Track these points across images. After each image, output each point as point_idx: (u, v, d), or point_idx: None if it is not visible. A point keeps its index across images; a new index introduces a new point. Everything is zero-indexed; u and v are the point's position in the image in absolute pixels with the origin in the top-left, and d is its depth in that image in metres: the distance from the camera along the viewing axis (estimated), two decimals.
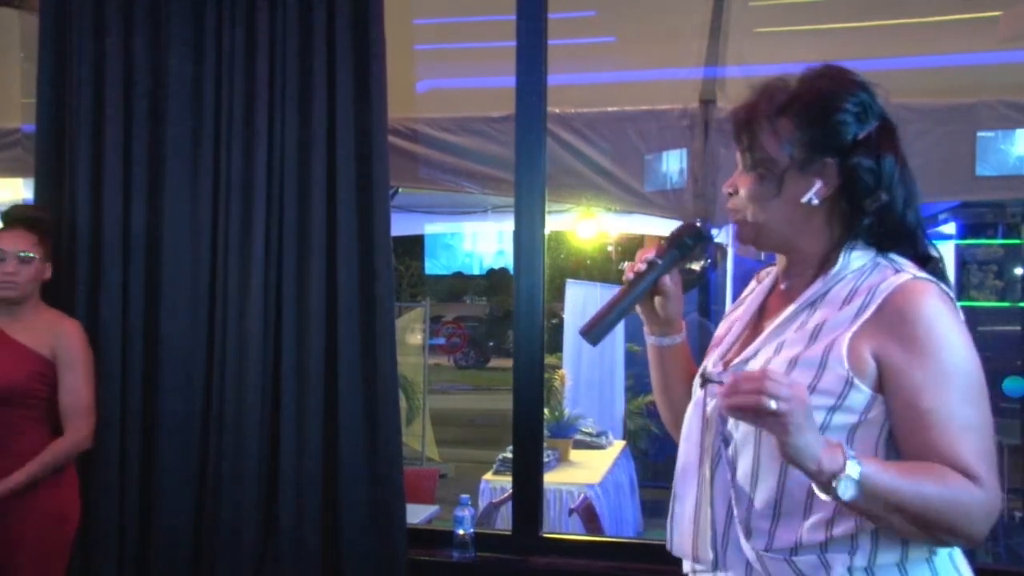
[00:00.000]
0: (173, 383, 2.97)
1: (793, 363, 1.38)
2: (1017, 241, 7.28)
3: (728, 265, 5.82)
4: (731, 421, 1.44)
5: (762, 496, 1.40)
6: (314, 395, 2.87)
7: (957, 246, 7.11)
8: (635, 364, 8.94)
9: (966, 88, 2.93)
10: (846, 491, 1.24)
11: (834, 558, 1.36)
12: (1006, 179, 2.94)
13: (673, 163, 3.20)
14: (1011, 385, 6.24)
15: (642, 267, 1.56)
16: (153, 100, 3.01)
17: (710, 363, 1.56)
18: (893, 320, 1.34)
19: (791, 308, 1.45)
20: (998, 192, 3.16)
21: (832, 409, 1.35)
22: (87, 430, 2.74)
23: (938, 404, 1.31)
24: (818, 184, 1.41)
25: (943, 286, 1.38)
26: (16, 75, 3.60)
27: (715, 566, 1.46)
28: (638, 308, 1.62)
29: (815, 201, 1.42)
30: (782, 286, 1.53)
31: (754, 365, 1.44)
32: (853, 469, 1.24)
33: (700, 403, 1.51)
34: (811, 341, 1.39)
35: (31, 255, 2.75)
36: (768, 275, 1.60)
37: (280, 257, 2.91)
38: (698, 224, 1.57)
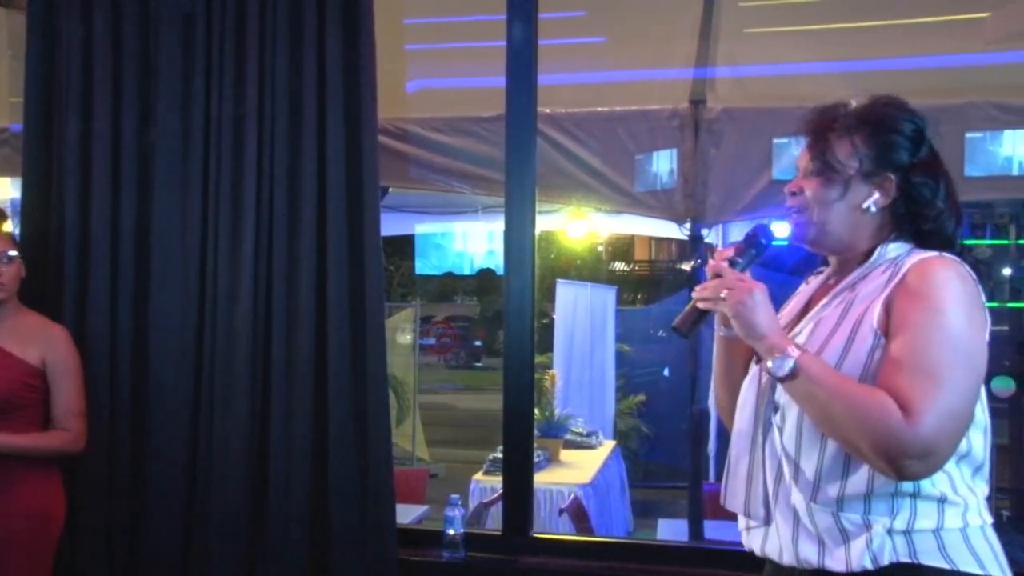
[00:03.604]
0: (162, 383, 2.97)
1: (830, 335, 1.59)
2: (1006, 242, 7.31)
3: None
4: (779, 389, 1.62)
5: (807, 451, 1.58)
6: (304, 395, 2.86)
7: None
8: (625, 364, 8.97)
9: (954, 89, 2.94)
10: (779, 368, 1.52)
11: (876, 519, 1.53)
12: (995, 180, 2.95)
13: (663, 163, 3.21)
14: (999, 384, 6.27)
15: (724, 265, 1.71)
16: (142, 99, 3.01)
17: None
18: (909, 280, 1.54)
19: (832, 292, 1.68)
20: (987, 193, 3.17)
21: (863, 378, 1.52)
22: (78, 432, 2.73)
23: (914, 345, 1.48)
24: (876, 195, 1.63)
25: (967, 267, 1.56)
26: (4, 73, 3.58)
27: (766, 521, 1.66)
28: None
29: (873, 209, 1.64)
30: (831, 280, 1.74)
31: (799, 339, 1.63)
32: (792, 353, 1.52)
33: (756, 377, 1.70)
34: (845, 314, 1.60)
35: (13, 254, 2.74)
36: (817, 277, 1.81)
37: (270, 257, 2.90)
38: (768, 227, 1.73)
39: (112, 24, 3.00)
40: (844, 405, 1.48)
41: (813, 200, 1.66)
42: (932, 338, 1.48)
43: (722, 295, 1.57)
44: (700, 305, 1.62)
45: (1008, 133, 2.91)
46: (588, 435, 6.17)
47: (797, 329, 1.67)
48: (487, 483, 5.05)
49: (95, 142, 3.00)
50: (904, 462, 1.44)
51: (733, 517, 1.76)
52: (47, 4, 3.06)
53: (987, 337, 1.54)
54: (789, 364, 1.51)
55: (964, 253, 1.64)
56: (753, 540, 1.71)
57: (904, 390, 1.45)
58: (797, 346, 1.54)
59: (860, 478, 1.53)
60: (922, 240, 1.64)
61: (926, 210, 1.63)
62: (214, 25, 2.95)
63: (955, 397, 1.46)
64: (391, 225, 5.73)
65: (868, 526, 1.53)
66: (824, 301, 1.68)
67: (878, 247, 1.64)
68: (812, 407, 1.53)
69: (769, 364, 1.54)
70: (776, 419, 1.64)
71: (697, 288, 1.62)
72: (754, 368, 1.71)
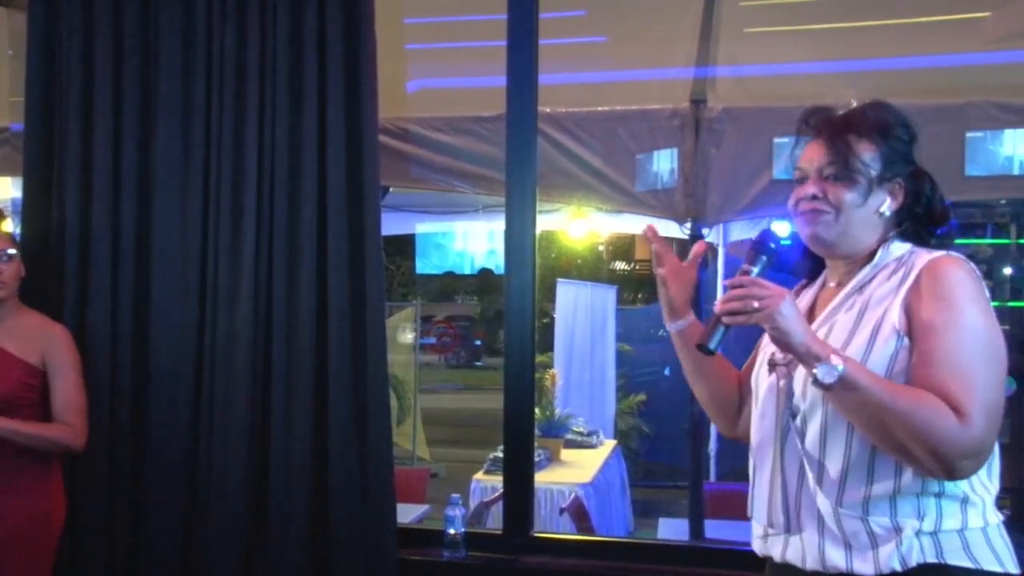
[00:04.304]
0: (162, 384, 2.97)
1: (849, 338, 1.59)
2: (1006, 241, 7.32)
3: (719, 265, 5.83)
4: (798, 394, 1.64)
5: (832, 455, 1.58)
6: (304, 394, 2.86)
7: None
8: (626, 364, 8.97)
9: (955, 89, 2.94)
10: (826, 376, 1.47)
11: (904, 522, 1.54)
12: (995, 179, 2.95)
13: (664, 163, 3.21)
14: None
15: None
16: (143, 99, 3.00)
17: (772, 351, 1.71)
18: (925, 281, 1.56)
19: (841, 295, 1.68)
20: (987, 192, 3.17)
21: (886, 377, 1.53)
22: (79, 428, 2.72)
23: (945, 346, 1.50)
24: (889, 199, 1.66)
25: (972, 264, 1.60)
26: (5, 73, 3.58)
27: (787, 528, 1.65)
28: (662, 300, 1.85)
29: (888, 213, 1.66)
30: (832, 284, 1.75)
31: None
32: (837, 361, 1.47)
33: (774, 386, 1.70)
34: (861, 317, 1.61)
35: (13, 252, 2.74)
36: (809, 288, 1.82)
37: (270, 257, 2.90)
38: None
39: (113, 23, 3.00)
40: (898, 412, 1.47)
41: (839, 204, 1.64)
42: (960, 338, 1.50)
43: (754, 305, 1.51)
44: (727, 321, 1.55)
45: (1008, 133, 2.91)
46: (589, 434, 6.17)
47: None
48: (488, 482, 5.05)
49: (95, 141, 3.00)
50: (960, 463, 1.47)
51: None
52: (47, 4, 3.06)
53: None
54: (837, 371, 1.47)
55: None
56: (772, 547, 1.70)
57: (947, 391, 1.46)
58: (838, 353, 1.50)
59: (886, 479, 1.54)
60: (921, 239, 1.66)
61: (931, 211, 1.67)
62: (215, 24, 2.95)
63: (992, 393, 1.49)
64: (392, 224, 5.74)
65: (898, 529, 1.54)
66: (833, 305, 1.68)
67: (881, 248, 1.66)
68: (861, 415, 1.52)
69: (815, 373, 1.49)
70: (796, 424, 1.64)
71: (719, 302, 1.56)
72: (771, 378, 1.70)
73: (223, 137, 2.93)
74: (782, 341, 1.52)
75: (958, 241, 1.71)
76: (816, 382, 1.49)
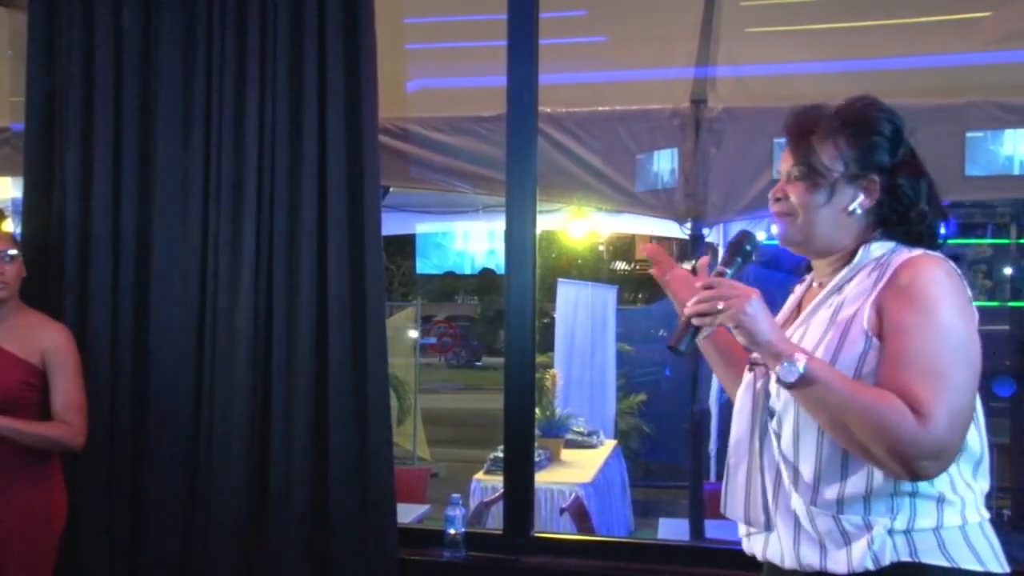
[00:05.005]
0: (162, 383, 2.97)
1: (821, 338, 1.59)
2: (1006, 241, 7.31)
3: (718, 264, 5.82)
4: (774, 396, 1.64)
5: (805, 456, 1.59)
6: (304, 394, 2.86)
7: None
8: (626, 364, 8.97)
9: (955, 89, 2.95)
10: (787, 374, 1.48)
11: (876, 520, 1.53)
12: (995, 179, 2.95)
13: (664, 163, 3.21)
14: (1000, 384, 6.27)
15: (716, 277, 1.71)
16: (143, 99, 3.01)
17: None
18: (898, 280, 1.54)
19: (821, 294, 1.68)
20: (987, 192, 3.18)
21: (856, 378, 1.52)
22: (79, 427, 2.71)
23: (913, 347, 1.48)
24: (861, 197, 1.63)
25: (952, 263, 1.57)
26: (5, 73, 3.58)
27: (766, 527, 1.66)
28: (678, 311, 1.81)
29: (859, 211, 1.63)
30: (816, 283, 1.75)
31: None
32: (800, 359, 1.48)
33: (750, 384, 1.70)
34: (834, 317, 1.60)
35: (14, 253, 2.74)
36: (803, 283, 1.82)
37: (271, 257, 2.90)
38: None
39: (113, 23, 3.00)
40: (858, 411, 1.46)
41: (799, 205, 1.65)
42: (931, 338, 1.48)
43: (719, 307, 1.52)
44: (695, 322, 1.56)
45: (1009, 132, 2.91)
46: (589, 434, 6.17)
47: (787, 334, 1.65)
48: (488, 482, 5.05)
49: (96, 141, 3.00)
50: (921, 464, 1.45)
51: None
52: (47, 4, 3.06)
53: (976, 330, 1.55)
54: (798, 370, 1.47)
55: (948, 248, 1.65)
56: (754, 545, 1.71)
57: (912, 392, 1.45)
58: (803, 351, 1.51)
59: (858, 479, 1.53)
60: (906, 239, 1.63)
61: (910, 211, 1.63)
62: (215, 24, 2.95)
63: (960, 395, 1.47)
64: (392, 225, 5.73)
65: (869, 527, 1.53)
66: (812, 305, 1.68)
67: (861, 247, 1.64)
68: (823, 413, 1.51)
69: (777, 371, 1.50)
70: (773, 425, 1.64)
71: (689, 303, 1.57)
72: (748, 375, 1.71)
73: (223, 137, 2.93)
74: (748, 340, 1.53)
75: (959, 241, 1.70)
76: (778, 380, 1.51)
